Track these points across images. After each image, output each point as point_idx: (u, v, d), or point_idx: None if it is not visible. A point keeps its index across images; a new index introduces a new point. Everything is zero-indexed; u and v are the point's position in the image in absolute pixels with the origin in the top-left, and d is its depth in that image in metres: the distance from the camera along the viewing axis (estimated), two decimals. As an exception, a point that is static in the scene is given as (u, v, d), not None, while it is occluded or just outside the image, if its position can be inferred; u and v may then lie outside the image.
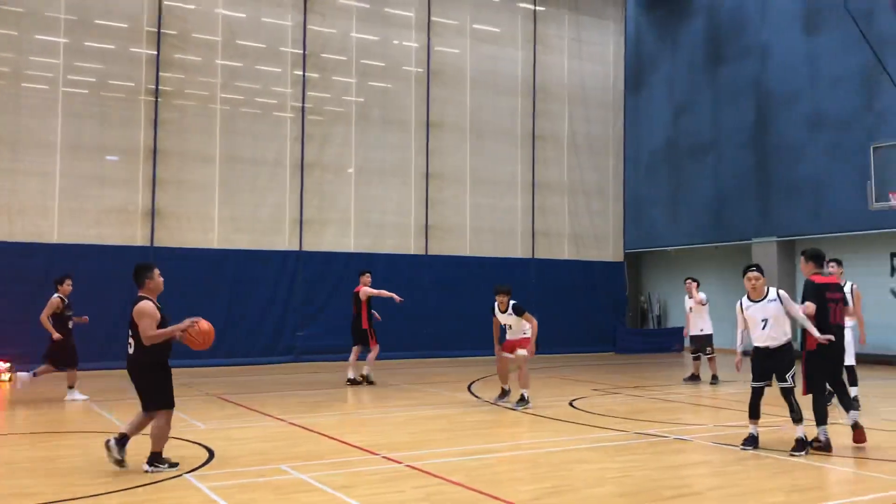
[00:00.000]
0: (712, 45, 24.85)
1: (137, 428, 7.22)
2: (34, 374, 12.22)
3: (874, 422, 9.88)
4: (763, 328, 8.21)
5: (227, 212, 18.54)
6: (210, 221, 18.40)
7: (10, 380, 14.33)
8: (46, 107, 16.88)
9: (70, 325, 12.12)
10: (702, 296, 14.93)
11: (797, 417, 8.04)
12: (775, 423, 9.50)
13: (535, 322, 11.48)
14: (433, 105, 21.04)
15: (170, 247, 17.71)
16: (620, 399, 12.73)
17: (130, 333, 7.11)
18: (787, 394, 8.14)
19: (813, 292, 8.43)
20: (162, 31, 17.94)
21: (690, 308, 15.06)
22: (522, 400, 11.36)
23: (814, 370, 8.35)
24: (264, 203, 18.99)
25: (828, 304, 8.41)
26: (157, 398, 7.12)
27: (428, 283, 20.39)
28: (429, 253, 20.80)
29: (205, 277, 17.80)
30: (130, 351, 7.15)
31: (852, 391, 10.09)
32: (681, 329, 16.85)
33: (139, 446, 7.26)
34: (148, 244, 17.56)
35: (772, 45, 22.83)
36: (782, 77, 22.45)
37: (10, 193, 16.52)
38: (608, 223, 24.00)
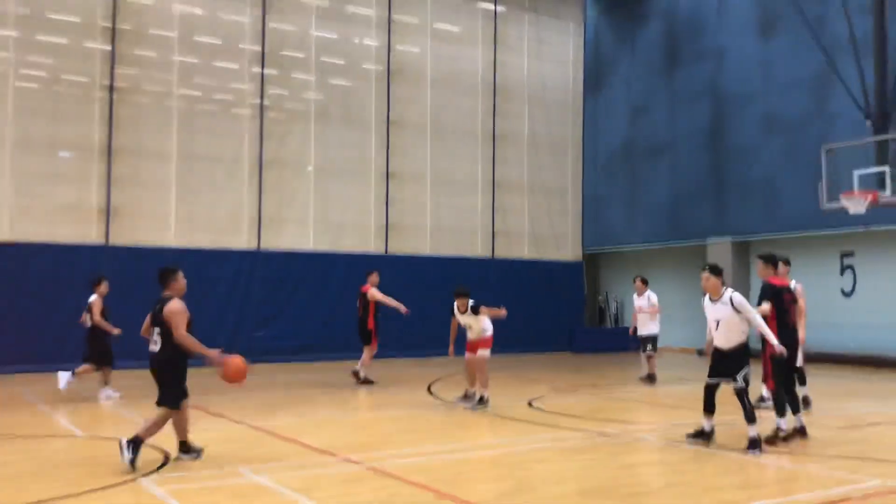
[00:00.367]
0: (670, 47, 25.18)
1: (150, 431, 7.42)
2: (73, 374, 12.25)
3: (825, 420, 10.10)
4: (716, 328, 8.39)
5: (184, 210, 18.29)
6: (166, 220, 18.13)
7: None
8: (-3, 102, 16.53)
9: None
10: (654, 300, 15.01)
11: (750, 417, 8.18)
12: (728, 420, 9.64)
13: (502, 311, 11.50)
14: (393, 104, 21.00)
15: (125, 245, 17.42)
16: (578, 398, 12.84)
17: (158, 331, 7.51)
18: (738, 394, 8.28)
19: (772, 295, 8.77)
20: (117, 26, 17.63)
21: (640, 307, 15.20)
22: (481, 401, 11.40)
23: (776, 367, 8.72)
24: (222, 201, 18.78)
25: (786, 305, 8.80)
26: (175, 392, 7.56)
27: (387, 283, 20.24)
28: (389, 252, 20.75)
29: (161, 277, 17.52)
30: (157, 348, 7.54)
31: (802, 391, 10.32)
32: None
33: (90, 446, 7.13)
34: (103, 243, 17.26)
35: (728, 48, 23.21)
36: (738, 80, 22.84)
37: (-41, 190, 16.15)
38: (567, 223, 24.21)
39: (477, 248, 22.37)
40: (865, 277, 19.93)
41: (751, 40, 22.57)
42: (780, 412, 8.65)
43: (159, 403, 7.55)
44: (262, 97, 19.21)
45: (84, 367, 12.19)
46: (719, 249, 22.55)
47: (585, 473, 7.24)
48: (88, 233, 17.23)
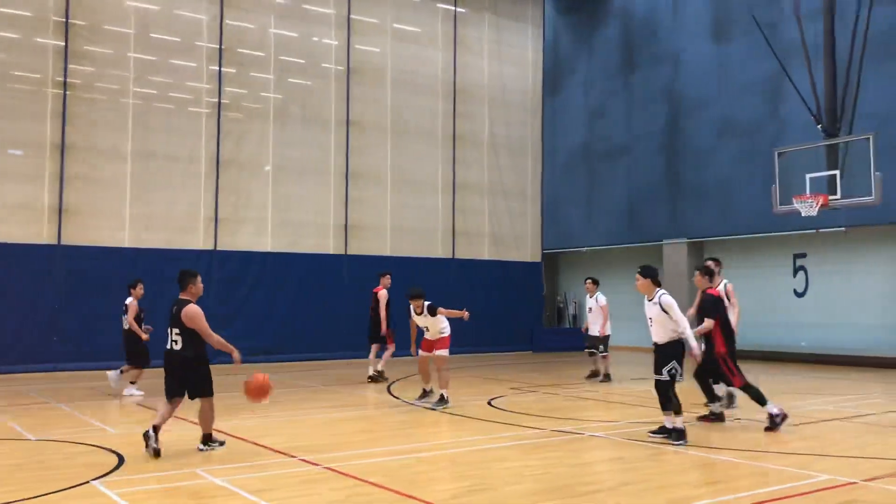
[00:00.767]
0: (626, 51, 25.47)
1: (207, 422, 8.06)
2: (121, 372, 12.80)
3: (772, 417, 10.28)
4: (650, 325, 8.89)
5: (139, 209, 18.00)
6: (121, 219, 17.82)
7: None
8: (-56, 97, 16.11)
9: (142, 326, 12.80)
10: (602, 301, 15.26)
11: (666, 408, 8.65)
12: (687, 418, 9.79)
13: (464, 313, 11.50)
14: (353, 104, 20.92)
15: (78, 245, 17.10)
16: (537, 397, 12.92)
17: (178, 331, 7.94)
18: (658, 386, 8.75)
19: (714, 306, 9.61)
20: (70, 21, 17.30)
21: (590, 308, 15.45)
22: (442, 400, 11.42)
23: (735, 364, 9.48)
24: (178, 201, 18.52)
25: (726, 312, 9.80)
26: (205, 386, 8.04)
27: (347, 283, 20.25)
28: (348, 253, 20.66)
29: (115, 277, 17.18)
30: (178, 347, 7.96)
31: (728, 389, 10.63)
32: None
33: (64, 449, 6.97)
34: (55, 242, 16.91)
35: (683, 52, 23.56)
36: (693, 84, 23.20)
37: None
38: (526, 224, 24.35)
39: (437, 248, 22.38)
40: (817, 278, 20.39)
41: (706, 44, 22.94)
42: (761, 401, 9.36)
43: (197, 396, 8.02)
44: (219, 95, 19.00)
45: (125, 366, 12.74)
46: (675, 250, 22.89)
47: (544, 472, 7.29)
48: (39, 232, 16.87)
